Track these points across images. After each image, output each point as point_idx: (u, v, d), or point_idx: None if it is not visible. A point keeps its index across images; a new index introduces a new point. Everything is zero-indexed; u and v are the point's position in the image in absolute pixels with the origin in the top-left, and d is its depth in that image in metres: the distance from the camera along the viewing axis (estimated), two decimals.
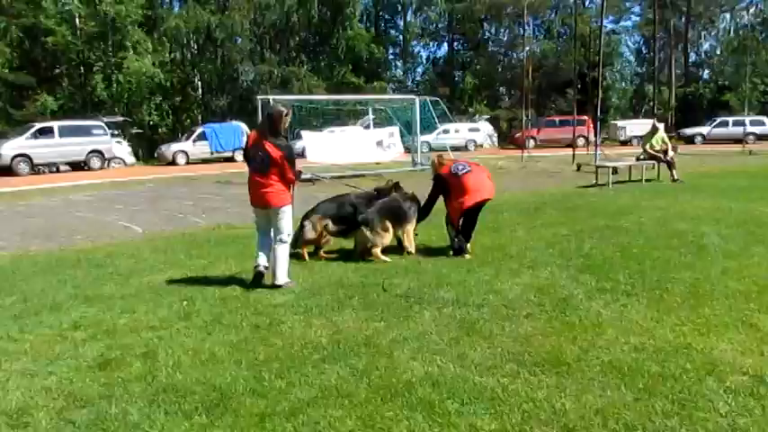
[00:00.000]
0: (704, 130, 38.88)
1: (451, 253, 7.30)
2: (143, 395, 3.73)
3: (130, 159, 31.48)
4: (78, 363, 4.29)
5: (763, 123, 37.61)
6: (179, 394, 3.71)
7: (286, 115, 6.03)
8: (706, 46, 55.65)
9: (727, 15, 53.09)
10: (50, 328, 5.11)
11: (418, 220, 7.62)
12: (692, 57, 54.43)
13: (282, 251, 6.10)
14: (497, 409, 3.40)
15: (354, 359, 4.15)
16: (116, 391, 3.79)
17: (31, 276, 7.10)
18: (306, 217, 7.59)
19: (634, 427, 3.17)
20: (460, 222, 7.36)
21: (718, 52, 54.10)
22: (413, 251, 7.40)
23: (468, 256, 7.18)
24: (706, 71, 54.91)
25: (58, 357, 4.42)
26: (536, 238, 8.16)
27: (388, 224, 7.20)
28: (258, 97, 20.06)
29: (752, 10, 48.36)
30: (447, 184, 7.46)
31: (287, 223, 6.14)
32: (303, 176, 6.71)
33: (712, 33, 54.78)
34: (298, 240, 7.25)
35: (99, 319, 5.30)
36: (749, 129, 34.66)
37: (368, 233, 7.10)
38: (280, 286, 6.00)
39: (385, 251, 7.24)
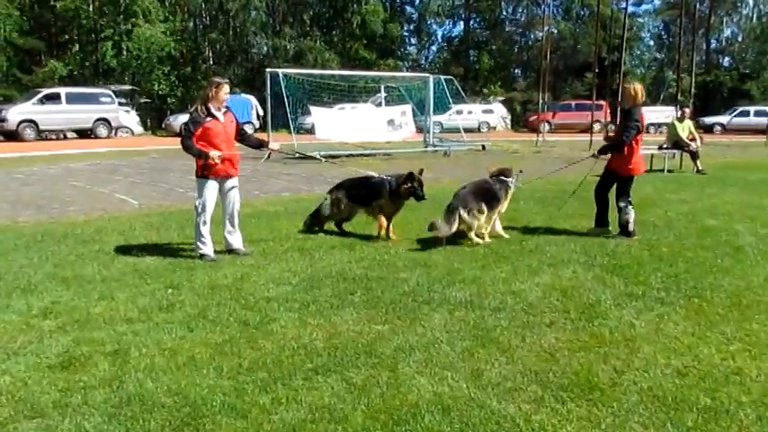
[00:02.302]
0: (724, 119, 37.77)
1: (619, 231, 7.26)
2: (104, 406, 3.20)
3: (138, 129, 30.97)
4: (39, 360, 3.77)
5: None
6: (145, 408, 3.18)
7: (217, 86, 6.03)
8: (727, 32, 54.25)
9: (751, 1, 51.67)
10: (18, 314, 4.59)
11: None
12: (713, 43, 53.04)
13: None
14: None
15: (352, 371, 3.60)
16: (74, 400, 3.27)
17: (12, 251, 6.60)
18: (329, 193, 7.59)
19: None
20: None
21: (740, 39, 52.73)
22: (504, 235, 7.22)
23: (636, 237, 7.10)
24: (726, 58, 53.54)
25: (17, 351, 3.91)
26: (555, 231, 7.56)
27: (484, 206, 6.89)
28: (267, 70, 19.41)
29: None
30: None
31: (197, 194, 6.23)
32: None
33: (734, 19, 53.34)
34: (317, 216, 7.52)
35: (73, 305, 4.79)
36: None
37: (465, 215, 6.72)
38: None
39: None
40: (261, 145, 6.77)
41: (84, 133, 27.24)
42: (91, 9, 36.51)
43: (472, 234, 6.88)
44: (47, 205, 9.79)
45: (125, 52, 36.36)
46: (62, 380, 3.51)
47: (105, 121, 27.61)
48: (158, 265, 5.92)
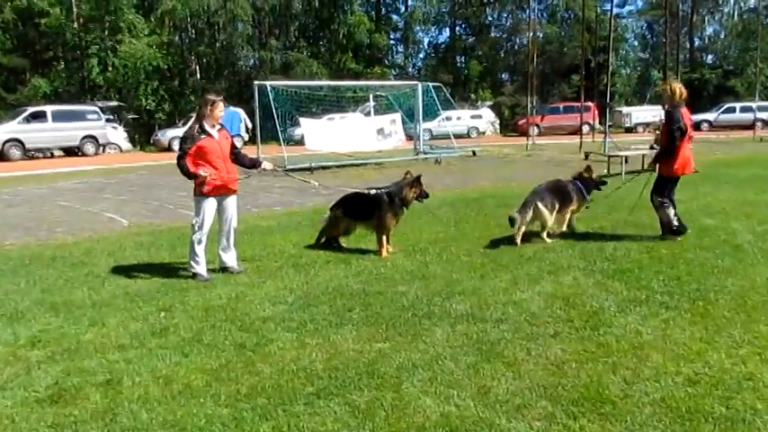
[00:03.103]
0: (711, 116, 37.98)
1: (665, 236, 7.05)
2: None
3: (126, 145, 30.72)
4: (27, 394, 3.63)
5: None
6: None
7: (212, 104, 5.96)
8: (710, 30, 54.67)
9: None
10: (4, 344, 4.44)
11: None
12: (696, 42, 53.39)
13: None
14: None
15: (355, 393, 3.48)
16: None
17: None
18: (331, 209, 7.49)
19: None
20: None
21: (723, 36, 53.14)
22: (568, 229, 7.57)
23: (679, 239, 6.97)
24: (710, 56, 53.92)
25: (4, 385, 3.76)
26: (553, 237, 7.46)
27: (557, 204, 7.27)
28: (255, 83, 19.30)
29: None
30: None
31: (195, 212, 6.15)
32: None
33: (716, 17, 53.80)
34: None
35: (62, 333, 4.64)
36: (758, 115, 33.79)
37: (544, 210, 7.12)
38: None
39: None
40: (254, 165, 6.58)
41: (71, 151, 27.00)
42: (76, 25, 36.29)
43: (544, 234, 7.27)
44: (34, 227, 9.61)
45: (111, 68, 36.10)
46: (51, 414, 3.36)
47: (93, 138, 27.36)
48: (150, 287, 5.77)
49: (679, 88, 6.97)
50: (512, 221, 7.10)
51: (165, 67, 38.09)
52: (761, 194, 10.17)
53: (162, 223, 9.65)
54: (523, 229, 7.14)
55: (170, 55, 39.12)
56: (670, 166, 6.98)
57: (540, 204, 7.12)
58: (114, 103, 33.14)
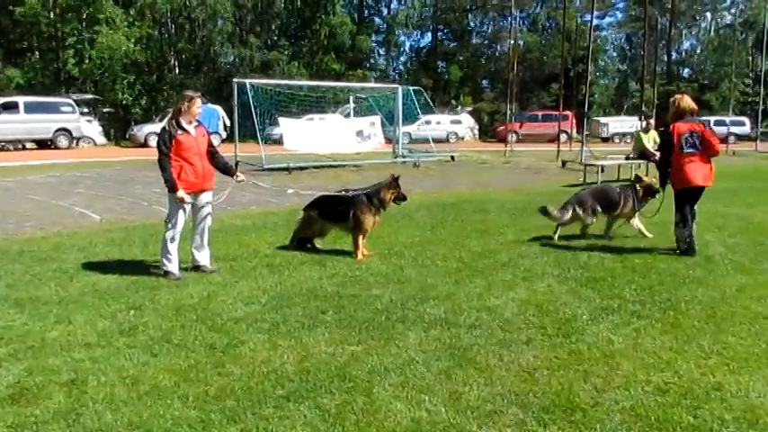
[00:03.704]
0: None
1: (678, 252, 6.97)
2: None
3: (101, 139, 30.22)
4: None
5: (743, 124, 37.52)
6: None
7: (189, 101, 5.88)
8: (687, 44, 55.69)
9: (708, 14, 53.14)
10: None
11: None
12: (674, 55, 54.29)
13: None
14: None
15: (326, 397, 3.44)
16: None
17: None
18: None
19: None
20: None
21: (699, 51, 54.14)
22: (647, 234, 7.77)
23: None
24: (687, 70, 54.87)
25: None
26: (528, 244, 7.50)
27: (598, 207, 7.73)
28: (234, 80, 19.15)
29: (733, 10, 48.22)
30: None
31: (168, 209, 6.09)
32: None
33: (693, 32, 54.79)
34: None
35: (27, 330, 4.52)
36: (731, 129, 34.46)
37: (579, 212, 7.68)
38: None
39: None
40: (227, 170, 6.40)
41: (43, 144, 26.47)
42: (52, 16, 35.61)
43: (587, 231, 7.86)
44: (2, 220, 9.39)
45: (87, 60, 35.47)
46: (12, 414, 3.26)
47: (66, 131, 26.84)
48: (120, 285, 5.66)
49: (677, 102, 6.96)
50: (543, 211, 7.75)
51: (143, 61, 37.60)
52: (732, 207, 10.36)
53: (135, 219, 9.51)
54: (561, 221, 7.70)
55: (149, 49, 38.60)
56: (672, 182, 7.00)
57: (578, 208, 7.68)
58: (90, 96, 32.53)
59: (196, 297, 5.30)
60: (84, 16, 35.59)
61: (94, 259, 6.71)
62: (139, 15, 38.21)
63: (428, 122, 32.49)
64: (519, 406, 3.35)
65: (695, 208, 7.02)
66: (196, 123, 6.02)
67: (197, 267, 6.20)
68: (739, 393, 3.52)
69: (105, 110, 34.53)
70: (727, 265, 6.45)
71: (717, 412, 3.29)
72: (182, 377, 3.70)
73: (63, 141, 26.71)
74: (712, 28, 53.52)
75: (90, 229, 8.77)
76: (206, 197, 6.16)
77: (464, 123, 39.06)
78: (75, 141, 27.37)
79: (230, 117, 18.09)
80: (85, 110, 30.11)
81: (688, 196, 6.89)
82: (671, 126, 6.93)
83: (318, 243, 7.33)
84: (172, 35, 43.48)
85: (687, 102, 6.97)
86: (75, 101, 28.28)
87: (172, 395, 3.46)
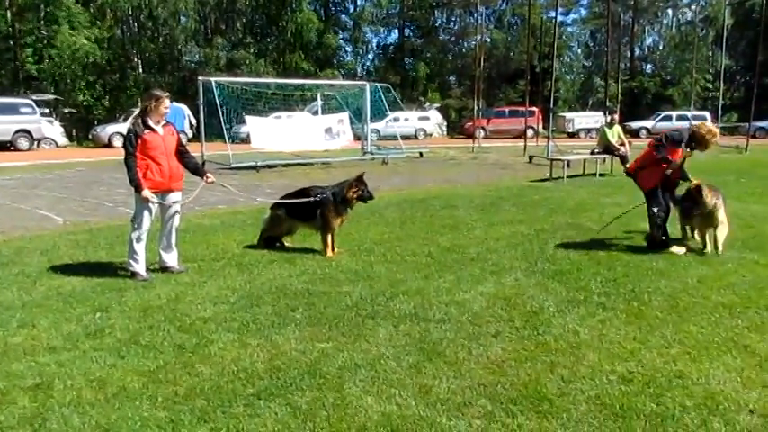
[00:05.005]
0: (649, 123, 39.41)
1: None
2: None
3: (63, 140, 29.50)
4: None
5: (705, 119, 38.25)
6: None
7: (157, 100, 5.79)
8: (649, 41, 56.84)
9: (670, 11, 54.30)
10: None
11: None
12: (637, 51, 55.35)
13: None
14: None
15: (296, 394, 3.44)
16: None
17: None
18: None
19: None
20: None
21: (661, 47, 55.30)
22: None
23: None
24: (649, 65, 55.99)
25: None
26: (496, 238, 7.58)
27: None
28: (200, 79, 18.92)
29: (694, 6, 49.36)
30: None
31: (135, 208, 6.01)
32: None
33: (655, 28, 55.96)
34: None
35: None
36: (693, 123, 35.23)
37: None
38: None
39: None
40: (197, 170, 6.31)
41: (3, 146, 25.75)
42: (9, 14, 34.70)
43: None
44: None
45: (47, 60, 34.68)
46: None
47: (26, 132, 26.13)
48: (85, 287, 5.57)
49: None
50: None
51: (105, 60, 36.87)
52: None
53: (100, 221, 9.34)
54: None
55: (110, 48, 37.90)
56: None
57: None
58: (50, 97, 31.80)
59: (164, 298, 5.24)
60: (43, 15, 34.75)
61: (58, 262, 6.57)
62: (100, 14, 37.47)
63: (396, 119, 32.57)
64: (487, 398, 3.41)
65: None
66: (165, 122, 5.95)
67: (165, 268, 6.13)
68: (700, 381, 3.62)
69: (67, 110, 33.80)
70: (688, 257, 6.62)
71: (679, 399, 3.39)
72: (150, 378, 3.67)
73: (23, 143, 26.02)
74: (674, 24, 54.77)
75: (53, 232, 8.58)
76: (174, 197, 6.09)
77: (432, 120, 39.22)
78: (35, 143, 26.71)
79: (196, 116, 17.82)
80: (46, 110, 29.41)
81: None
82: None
83: (287, 241, 7.31)
84: (134, 33, 42.76)
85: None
86: (35, 101, 27.59)
87: (140, 396, 3.43)
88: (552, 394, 3.44)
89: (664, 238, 7.01)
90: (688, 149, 6.80)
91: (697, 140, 6.72)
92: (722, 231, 6.72)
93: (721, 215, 6.68)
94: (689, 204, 6.79)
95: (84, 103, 35.97)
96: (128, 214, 9.78)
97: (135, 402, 3.37)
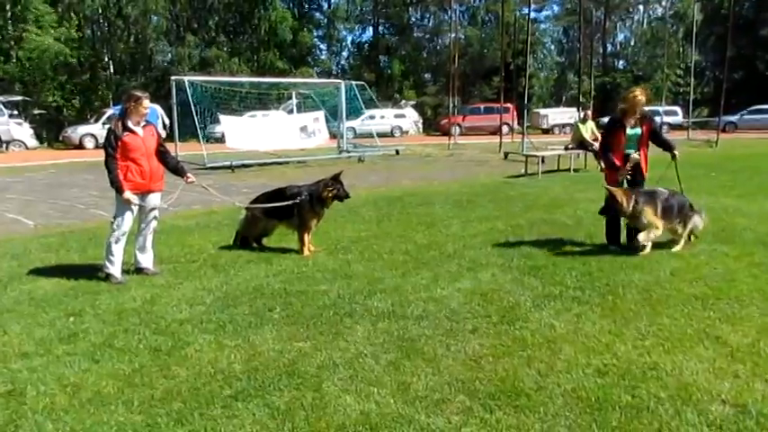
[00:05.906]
0: None
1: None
2: None
3: (32, 142, 28.94)
4: None
5: (676, 113, 38.97)
6: None
7: (136, 101, 5.73)
8: (621, 37, 57.54)
9: (641, 7, 55.07)
10: None
11: None
12: (609, 47, 56.02)
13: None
14: None
15: (275, 394, 3.43)
16: None
17: None
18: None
19: None
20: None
21: (633, 43, 56.05)
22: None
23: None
24: (621, 61, 56.70)
25: None
26: (473, 235, 7.63)
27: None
28: (172, 78, 18.73)
29: (664, 2, 50.13)
30: None
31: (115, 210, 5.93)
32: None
33: (627, 24, 56.70)
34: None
35: None
36: (664, 119, 35.76)
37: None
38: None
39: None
40: (177, 170, 6.25)
41: None
42: None
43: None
44: None
45: (15, 60, 33.99)
46: None
47: None
48: (58, 291, 5.48)
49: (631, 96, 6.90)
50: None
51: (75, 61, 36.24)
52: None
53: (72, 224, 9.21)
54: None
55: (80, 48, 37.25)
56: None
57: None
58: (19, 98, 31.17)
59: (139, 300, 5.18)
60: (10, 15, 34.05)
61: (30, 266, 6.45)
62: (68, 14, 36.80)
63: (372, 117, 32.56)
64: (466, 393, 3.42)
65: None
66: (144, 123, 5.89)
67: (139, 270, 6.06)
68: (674, 372, 3.68)
69: (36, 112, 33.17)
70: (661, 250, 6.72)
71: (653, 391, 3.44)
72: (126, 382, 3.62)
73: None
74: (645, 20, 55.57)
75: (24, 235, 8.44)
76: (154, 198, 6.03)
77: (408, 117, 39.29)
78: (4, 145, 26.24)
79: (169, 116, 17.61)
80: (15, 112, 28.85)
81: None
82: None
83: (264, 240, 7.27)
84: (104, 33, 42.12)
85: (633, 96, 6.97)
86: (3, 103, 27.09)
87: (116, 401, 3.38)
88: (529, 388, 3.47)
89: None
90: (628, 126, 6.86)
91: (626, 108, 6.89)
92: (651, 233, 6.53)
93: (649, 218, 6.50)
94: (612, 207, 6.65)
95: (55, 104, 35.34)
96: (100, 216, 9.70)
97: (110, 407, 3.32)
